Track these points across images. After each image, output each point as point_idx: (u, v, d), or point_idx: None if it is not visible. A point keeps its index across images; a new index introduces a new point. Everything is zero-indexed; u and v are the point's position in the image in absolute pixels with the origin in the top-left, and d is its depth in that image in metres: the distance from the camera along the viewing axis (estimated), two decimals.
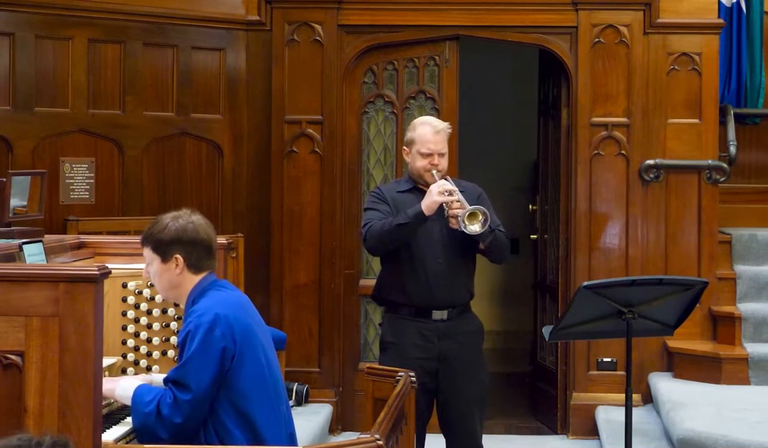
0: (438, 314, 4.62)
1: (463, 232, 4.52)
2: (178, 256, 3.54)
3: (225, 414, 3.45)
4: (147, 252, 3.60)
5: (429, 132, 4.65)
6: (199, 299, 3.53)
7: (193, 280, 3.57)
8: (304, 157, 6.68)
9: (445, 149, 4.67)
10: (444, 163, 4.66)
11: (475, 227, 4.46)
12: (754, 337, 6.41)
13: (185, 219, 3.58)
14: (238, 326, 3.47)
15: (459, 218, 4.46)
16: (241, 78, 6.82)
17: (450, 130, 4.77)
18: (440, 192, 4.47)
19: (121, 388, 3.56)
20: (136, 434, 3.50)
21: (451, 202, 4.48)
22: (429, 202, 4.47)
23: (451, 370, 4.61)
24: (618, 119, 6.61)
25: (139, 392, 3.50)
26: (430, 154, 4.63)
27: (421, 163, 4.65)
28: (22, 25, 6.10)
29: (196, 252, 3.56)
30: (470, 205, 4.48)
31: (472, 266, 4.78)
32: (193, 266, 3.56)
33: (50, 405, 2.89)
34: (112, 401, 3.62)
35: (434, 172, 4.61)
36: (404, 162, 5.00)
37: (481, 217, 4.46)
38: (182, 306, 3.65)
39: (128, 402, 3.50)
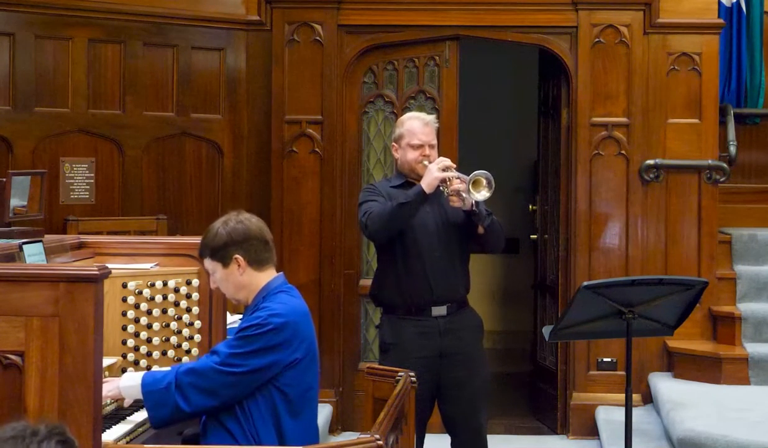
0: (437, 311, 4.61)
1: (459, 222, 4.53)
2: (237, 256, 3.57)
3: (265, 407, 3.47)
4: (208, 262, 3.64)
5: (418, 125, 4.68)
6: (271, 297, 3.56)
7: (259, 277, 3.61)
8: (304, 157, 6.69)
9: (434, 141, 4.69)
10: (435, 155, 4.65)
11: (483, 193, 4.44)
12: (754, 337, 6.41)
13: (234, 220, 3.63)
14: (305, 338, 3.53)
15: (463, 190, 4.44)
16: (241, 78, 6.82)
17: (437, 124, 4.81)
18: (439, 168, 4.47)
19: (125, 379, 3.57)
20: (151, 421, 3.48)
21: (451, 178, 4.48)
22: (430, 179, 4.47)
23: (454, 366, 4.61)
24: (618, 119, 6.61)
25: (148, 374, 3.54)
26: (420, 146, 4.64)
27: (412, 155, 4.65)
28: (22, 25, 6.10)
29: (252, 248, 3.59)
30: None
31: (468, 259, 4.77)
32: (255, 262, 3.59)
33: (50, 405, 2.88)
34: (112, 401, 3.63)
35: (426, 163, 4.61)
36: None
37: (485, 181, 4.44)
38: (249, 303, 3.65)
39: (137, 390, 3.49)
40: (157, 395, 3.43)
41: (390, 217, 4.50)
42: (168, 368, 3.62)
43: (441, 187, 4.50)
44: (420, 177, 4.58)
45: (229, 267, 3.59)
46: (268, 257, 3.64)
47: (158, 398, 3.43)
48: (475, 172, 4.46)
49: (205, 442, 3.52)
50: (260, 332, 3.45)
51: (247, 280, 3.60)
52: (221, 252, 3.59)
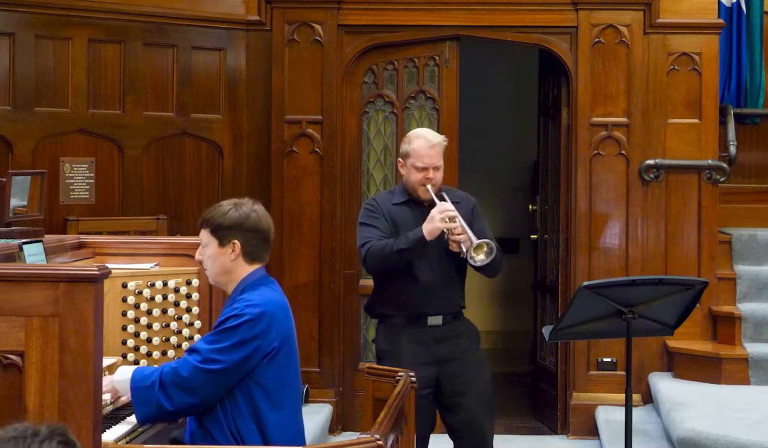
0: (433, 320, 4.63)
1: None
2: (236, 242, 3.58)
3: (244, 404, 3.47)
4: (204, 234, 3.64)
5: (424, 146, 4.62)
6: (249, 289, 3.56)
7: (245, 269, 3.61)
8: (304, 157, 6.68)
9: (440, 163, 4.64)
10: (439, 176, 4.64)
11: (480, 257, 4.47)
12: (754, 337, 6.41)
13: (248, 207, 3.64)
14: (281, 329, 3.52)
15: (465, 250, 4.45)
16: (241, 78, 6.82)
17: (446, 143, 4.74)
18: (442, 218, 4.44)
19: (118, 374, 3.57)
20: (137, 418, 3.48)
21: (453, 229, 4.48)
22: (431, 227, 4.45)
23: (452, 373, 4.60)
24: (618, 119, 6.61)
25: (138, 370, 3.53)
26: (424, 168, 4.61)
27: (415, 177, 4.63)
28: (22, 25, 6.10)
29: (254, 241, 3.61)
30: (469, 227, 4.48)
31: (464, 276, 4.77)
32: (249, 255, 3.60)
33: (50, 405, 2.89)
34: (112, 401, 3.63)
35: (428, 186, 4.60)
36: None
37: (486, 248, 4.46)
38: (228, 292, 3.66)
39: (127, 385, 3.49)
40: (143, 392, 3.44)
41: (389, 259, 4.51)
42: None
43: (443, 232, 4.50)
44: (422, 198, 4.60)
45: (224, 248, 3.59)
46: (263, 255, 3.65)
47: (144, 396, 3.44)
48: (481, 239, 4.47)
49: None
50: (237, 323, 3.45)
51: (234, 267, 3.60)
52: (224, 231, 3.59)
